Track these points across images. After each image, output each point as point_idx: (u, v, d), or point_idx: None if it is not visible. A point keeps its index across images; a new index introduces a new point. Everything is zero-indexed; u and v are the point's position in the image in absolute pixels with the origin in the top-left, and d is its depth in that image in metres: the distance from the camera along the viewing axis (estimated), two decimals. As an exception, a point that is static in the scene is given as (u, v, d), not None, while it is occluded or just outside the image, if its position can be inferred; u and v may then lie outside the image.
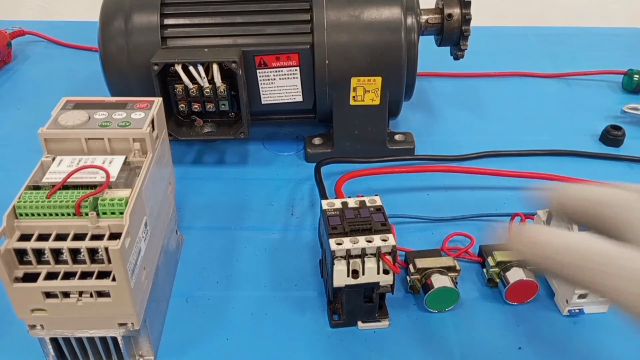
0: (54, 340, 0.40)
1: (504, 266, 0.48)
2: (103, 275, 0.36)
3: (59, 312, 0.37)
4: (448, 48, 0.66)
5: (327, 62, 0.59)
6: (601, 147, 0.69)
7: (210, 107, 0.59)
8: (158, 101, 0.45)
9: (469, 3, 0.62)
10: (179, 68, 0.56)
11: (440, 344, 0.45)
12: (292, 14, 0.59)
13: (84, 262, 0.36)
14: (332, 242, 0.43)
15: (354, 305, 0.45)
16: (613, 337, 0.46)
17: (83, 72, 0.84)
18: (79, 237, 0.36)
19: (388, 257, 0.42)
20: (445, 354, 0.44)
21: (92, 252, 0.36)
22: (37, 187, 0.38)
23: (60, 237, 0.36)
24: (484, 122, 0.74)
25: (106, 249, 0.35)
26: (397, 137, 0.66)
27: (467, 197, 0.60)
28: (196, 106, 0.59)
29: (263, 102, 0.62)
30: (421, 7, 0.62)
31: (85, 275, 0.36)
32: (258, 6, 0.60)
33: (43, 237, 0.36)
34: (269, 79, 0.60)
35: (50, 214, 0.36)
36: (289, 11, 0.60)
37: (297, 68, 0.59)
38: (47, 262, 0.36)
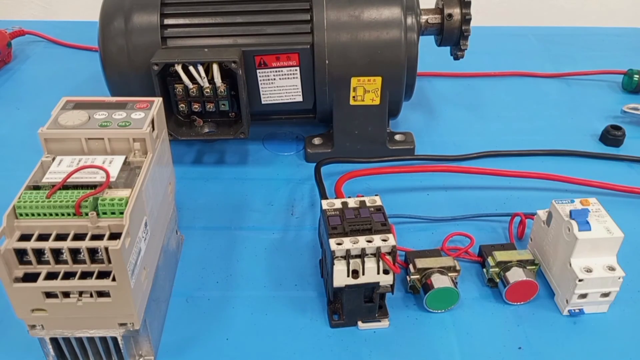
0: (54, 340, 0.40)
1: (504, 266, 0.48)
2: (103, 275, 0.36)
3: (59, 312, 0.37)
4: (448, 48, 0.66)
5: (327, 62, 0.59)
6: (601, 147, 0.69)
7: (210, 107, 0.59)
8: (158, 101, 0.45)
9: (469, 3, 0.62)
10: (179, 68, 0.56)
11: (440, 344, 0.45)
12: (292, 14, 0.59)
13: (84, 262, 0.36)
14: (332, 242, 0.43)
15: (354, 305, 0.45)
16: (613, 337, 0.46)
17: (83, 72, 0.84)
18: (79, 237, 0.36)
19: (388, 257, 0.42)
20: (445, 354, 0.44)
21: (92, 252, 0.36)
22: (37, 187, 0.38)
23: (60, 237, 0.36)
24: (484, 122, 0.74)
25: (106, 249, 0.35)
26: (397, 137, 0.66)
27: (467, 197, 0.60)
28: (196, 106, 0.59)
29: (263, 102, 0.62)
30: (421, 7, 0.62)
31: (85, 275, 0.36)
32: (258, 6, 0.60)
33: (43, 237, 0.36)
34: (269, 79, 0.60)
35: (50, 214, 0.36)
36: (289, 11, 0.60)
37: (297, 68, 0.59)
38: (47, 262, 0.36)
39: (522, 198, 0.60)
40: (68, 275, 0.36)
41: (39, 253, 0.36)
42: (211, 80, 0.57)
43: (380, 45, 0.59)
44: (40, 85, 0.82)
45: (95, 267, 0.36)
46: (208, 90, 0.57)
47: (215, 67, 0.56)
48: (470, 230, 0.55)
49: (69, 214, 0.36)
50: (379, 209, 0.46)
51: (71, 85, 0.81)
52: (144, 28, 0.59)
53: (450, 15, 0.62)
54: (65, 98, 0.45)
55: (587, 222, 0.45)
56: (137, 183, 0.39)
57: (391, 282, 0.44)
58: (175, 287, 0.50)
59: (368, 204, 0.46)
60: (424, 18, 0.63)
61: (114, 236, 0.36)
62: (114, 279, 0.36)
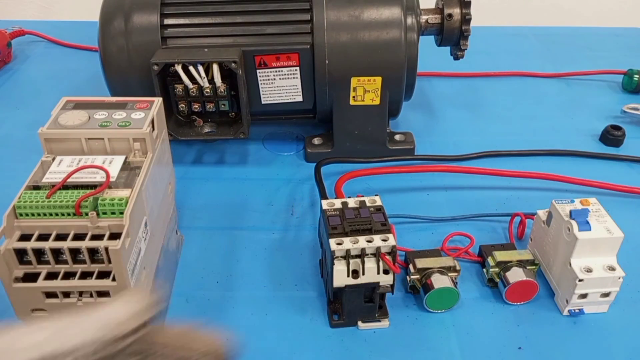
0: (54, 340, 0.40)
1: (504, 266, 0.48)
2: (103, 275, 0.36)
3: (59, 312, 0.37)
4: (448, 48, 0.66)
5: (327, 62, 0.59)
6: (601, 147, 0.69)
7: (210, 107, 0.59)
8: (158, 101, 0.45)
9: (469, 3, 0.62)
10: (179, 68, 0.56)
11: (440, 344, 0.45)
12: (292, 14, 0.59)
13: (84, 262, 0.36)
14: (332, 242, 0.43)
15: (354, 305, 0.45)
16: (613, 337, 0.46)
17: (83, 72, 0.84)
18: (79, 237, 0.36)
19: (388, 257, 0.42)
20: (445, 354, 0.44)
21: (92, 252, 0.36)
22: (37, 187, 0.38)
23: (60, 237, 0.36)
24: (484, 122, 0.74)
25: (106, 249, 0.35)
26: (397, 137, 0.66)
27: (467, 197, 0.60)
28: (196, 106, 0.59)
29: (263, 102, 0.62)
30: (421, 7, 0.62)
31: (85, 275, 0.36)
32: (258, 6, 0.60)
33: (43, 237, 0.36)
34: (269, 79, 0.60)
35: (50, 214, 0.36)
36: (289, 11, 0.59)
37: (297, 68, 0.59)
38: (47, 262, 0.36)
39: (522, 198, 0.60)
40: (68, 275, 0.36)
41: (39, 253, 0.36)
42: (211, 80, 0.57)
43: (380, 45, 0.59)
44: (40, 85, 0.82)
45: (95, 267, 0.36)
46: (208, 90, 0.57)
47: (215, 67, 0.56)
48: (470, 230, 0.55)
49: (69, 214, 0.36)
50: (379, 209, 0.46)
51: (71, 85, 0.81)
52: (144, 28, 0.59)
53: (450, 15, 0.62)
54: (65, 98, 0.45)
55: (587, 222, 0.45)
56: (137, 183, 0.39)
57: (391, 282, 0.44)
58: (175, 287, 0.50)
59: (368, 204, 0.46)
60: (424, 18, 0.63)
61: (114, 236, 0.36)
62: (114, 279, 0.36)
